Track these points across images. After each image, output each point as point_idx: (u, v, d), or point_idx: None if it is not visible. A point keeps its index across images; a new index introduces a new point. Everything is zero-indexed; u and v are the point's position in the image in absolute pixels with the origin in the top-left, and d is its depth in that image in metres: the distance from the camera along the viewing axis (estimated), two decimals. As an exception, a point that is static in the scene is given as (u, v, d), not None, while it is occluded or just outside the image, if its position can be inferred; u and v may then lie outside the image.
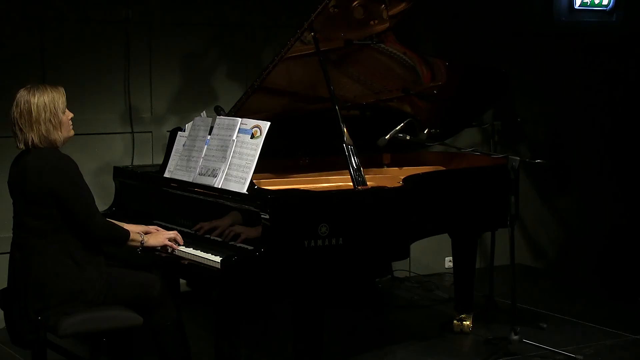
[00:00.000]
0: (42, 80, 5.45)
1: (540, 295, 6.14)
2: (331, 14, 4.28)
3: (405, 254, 4.31)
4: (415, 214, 4.33)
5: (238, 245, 3.83)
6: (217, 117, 4.26)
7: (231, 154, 3.97)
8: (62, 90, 3.79)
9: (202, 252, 3.81)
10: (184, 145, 4.36)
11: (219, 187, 3.95)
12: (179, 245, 3.91)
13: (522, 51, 6.97)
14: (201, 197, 4.06)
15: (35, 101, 3.66)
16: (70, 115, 3.79)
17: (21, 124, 3.66)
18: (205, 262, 3.76)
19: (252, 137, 3.93)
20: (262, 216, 3.72)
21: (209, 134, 4.16)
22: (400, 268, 6.65)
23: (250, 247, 3.75)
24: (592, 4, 7.24)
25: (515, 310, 5.05)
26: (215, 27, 6.04)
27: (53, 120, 3.68)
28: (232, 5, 6.02)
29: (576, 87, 7.32)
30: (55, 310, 3.59)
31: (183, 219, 4.23)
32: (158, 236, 3.89)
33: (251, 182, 3.84)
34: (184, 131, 4.43)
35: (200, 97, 5.81)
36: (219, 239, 3.95)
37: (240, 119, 4.04)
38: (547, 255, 7.40)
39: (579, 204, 7.44)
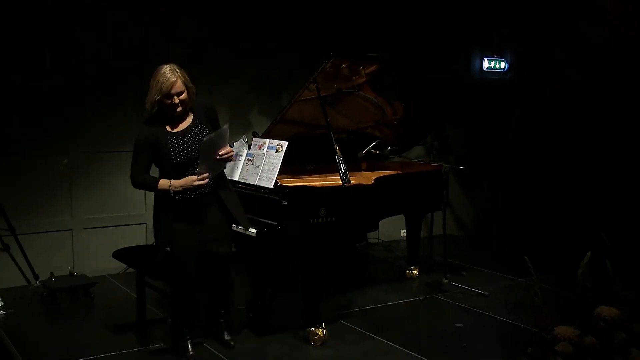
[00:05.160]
0: (136, 111, 5.46)
1: (462, 254, 6.12)
2: (328, 72, 4.26)
3: (375, 227, 4.32)
4: (381, 201, 4.33)
5: (267, 222, 3.81)
6: (253, 138, 4.25)
7: (263, 162, 3.96)
8: (169, 83, 3.26)
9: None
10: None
11: (256, 183, 3.93)
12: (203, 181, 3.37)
13: (451, 96, 6.95)
14: (243, 190, 4.03)
15: (154, 73, 3.33)
16: (171, 99, 3.29)
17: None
18: (246, 232, 3.74)
19: (276, 151, 3.92)
20: (282, 203, 3.71)
21: (249, 149, 4.15)
22: (372, 237, 6.64)
23: (274, 223, 3.73)
24: (495, 68, 7.34)
25: (446, 264, 5.06)
26: (252, 80, 6.02)
27: (148, 94, 3.34)
28: (262, 65, 6.00)
29: (485, 119, 7.31)
30: None
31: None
32: (184, 180, 3.36)
33: (276, 180, 3.83)
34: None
35: (242, 126, 5.79)
36: (255, 217, 3.91)
37: (268, 140, 4.04)
38: (466, 227, 7.38)
39: (487, 194, 7.43)
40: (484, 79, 7.30)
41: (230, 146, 4.11)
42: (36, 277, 5.01)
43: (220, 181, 3.57)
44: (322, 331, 3.86)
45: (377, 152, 4.92)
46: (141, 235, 5.60)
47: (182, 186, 3.35)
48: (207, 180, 3.39)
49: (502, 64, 7.41)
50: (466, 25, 6.97)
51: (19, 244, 4.94)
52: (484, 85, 7.27)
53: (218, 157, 3.38)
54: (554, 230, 6.70)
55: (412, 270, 5.34)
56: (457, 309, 4.50)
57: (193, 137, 3.42)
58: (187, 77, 3.37)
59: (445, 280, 5.00)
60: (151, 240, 5.57)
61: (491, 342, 4.01)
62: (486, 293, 4.81)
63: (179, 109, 3.36)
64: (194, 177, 3.36)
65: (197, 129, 3.45)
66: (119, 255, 4.09)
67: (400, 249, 6.35)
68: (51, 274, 5.01)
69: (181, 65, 3.42)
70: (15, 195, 5.07)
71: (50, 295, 4.70)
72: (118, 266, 5.04)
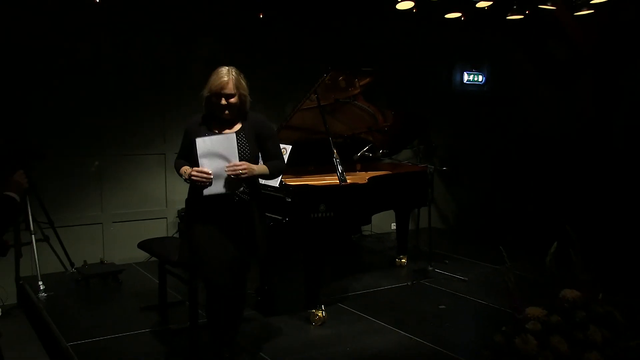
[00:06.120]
0: (157, 120, 5.47)
1: (445, 244, 6.12)
2: (327, 84, 4.27)
3: (368, 221, 4.31)
4: (374, 198, 4.33)
5: (273, 216, 3.81)
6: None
7: (270, 164, 3.94)
8: (219, 82, 2.85)
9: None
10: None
11: (262, 182, 3.91)
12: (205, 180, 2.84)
13: (436, 105, 6.96)
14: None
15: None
16: (219, 99, 2.86)
17: None
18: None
19: (282, 154, 3.90)
20: (287, 199, 3.71)
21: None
22: (365, 229, 6.64)
23: (279, 217, 3.73)
24: (474, 81, 7.36)
25: (431, 253, 5.07)
26: (258, 91, 5.96)
27: (204, 90, 2.92)
28: (268, 78, 5.98)
29: (465, 126, 7.32)
30: None
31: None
32: (192, 170, 2.85)
33: (281, 180, 3.83)
34: None
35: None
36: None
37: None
38: (449, 221, 7.40)
39: (467, 192, 7.44)
40: (464, 90, 7.32)
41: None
42: (72, 264, 5.03)
43: (253, 203, 2.98)
44: (322, 313, 3.87)
45: (370, 155, 4.93)
46: (162, 228, 5.61)
47: (188, 174, 2.84)
48: (202, 178, 2.79)
49: (480, 77, 7.44)
50: (448, 43, 6.98)
51: (57, 235, 4.97)
52: (464, 96, 7.30)
53: (226, 170, 2.80)
54: (525, 223, 6.72)
55: (401, 259, 5.35)
56: (441, 293, 4.52)
57: None
58: (243, 84, 2.93)
59: (430, 268, 5.01)
60: (171, 233, 5.60)
61: (470, 321, 4.02)
62: (466, 279, 4.83)
63: (226, 112, 2.89)
64: (196, 168, 2.81)
65: (238, 139, 2.89)
66: (143, 245, 4.10)
67: (390, 240, 6.36)
68: (85, 261, 5.04)
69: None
70: (54, 193, 5.10)
71: (84, 280, 4.73)
72: (142, 255, 5.07)
